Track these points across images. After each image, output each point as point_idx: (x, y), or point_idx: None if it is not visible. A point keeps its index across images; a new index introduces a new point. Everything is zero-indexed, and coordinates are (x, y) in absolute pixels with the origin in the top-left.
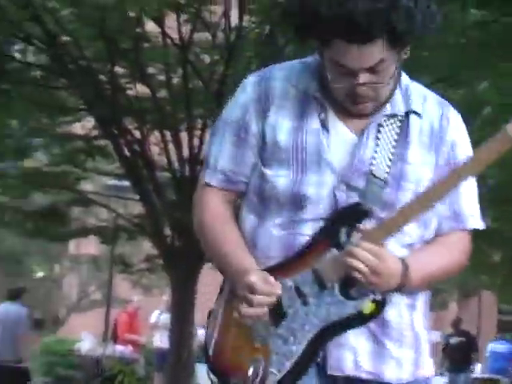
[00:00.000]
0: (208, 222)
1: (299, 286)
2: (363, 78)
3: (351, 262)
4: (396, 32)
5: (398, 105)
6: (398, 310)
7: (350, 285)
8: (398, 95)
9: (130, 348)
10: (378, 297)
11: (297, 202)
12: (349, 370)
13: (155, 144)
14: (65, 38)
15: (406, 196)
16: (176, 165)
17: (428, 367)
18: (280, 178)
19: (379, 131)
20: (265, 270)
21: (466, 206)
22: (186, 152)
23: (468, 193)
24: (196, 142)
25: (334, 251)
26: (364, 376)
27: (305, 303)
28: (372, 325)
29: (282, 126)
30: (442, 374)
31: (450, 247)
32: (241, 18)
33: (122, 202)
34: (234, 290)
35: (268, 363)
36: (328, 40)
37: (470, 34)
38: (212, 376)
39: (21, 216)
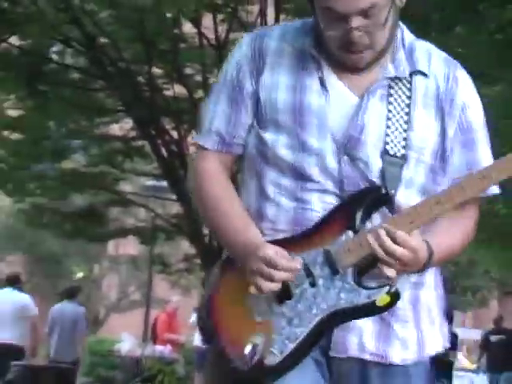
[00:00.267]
0: (207, 188)
1: (309, 266)
2: (355, 21)
3: (388, 246)
4: None
5: (402, 65)
6: (403, 289)
7: (364, 272)
8: (401, 55)
9: (169, 348)
10: (394, 288)
11: (299, 169)
12: (353, 351)
13: (193, 144)
14: (103, 40)
15: (409, 166)
16: None
17: (433, 344)
18: (279, 143)
19: (389, 98)
20: (271, 242)
21: None
22: None
23: (485, 157)
24: None
25: (350, 234)
26: (368, 357)
27: (313, 284)
28: None
29: (279, 85)
30: (484, 372)
31: (466, 229)
32: (277, 18)
33: (160, 202)
34: (242, 262)
35: (269, 342)
36: None
37: (507, 30)
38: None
39: (59, 217)
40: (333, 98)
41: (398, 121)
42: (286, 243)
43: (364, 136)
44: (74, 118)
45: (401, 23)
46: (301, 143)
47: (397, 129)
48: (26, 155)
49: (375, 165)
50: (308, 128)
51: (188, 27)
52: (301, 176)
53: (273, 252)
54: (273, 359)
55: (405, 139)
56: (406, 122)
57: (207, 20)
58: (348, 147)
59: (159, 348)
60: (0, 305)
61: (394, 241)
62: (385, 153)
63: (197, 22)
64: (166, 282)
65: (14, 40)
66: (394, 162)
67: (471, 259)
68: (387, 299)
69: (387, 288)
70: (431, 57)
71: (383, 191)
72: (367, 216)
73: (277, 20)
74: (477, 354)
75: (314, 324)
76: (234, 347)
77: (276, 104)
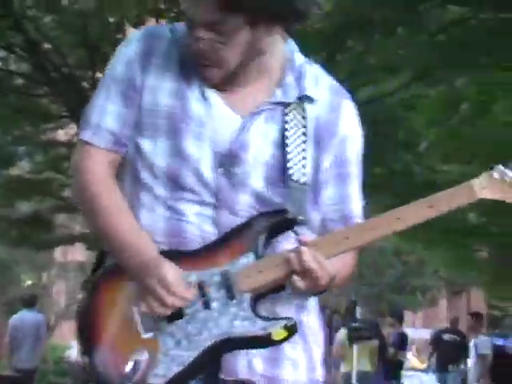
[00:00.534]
0: (95, 193)
1: (204, 285)
2: (200, 32)
3: (304, 262)
4: None
5: (290, 89)
6: (287, 308)
7: (262, 300)
8: (289, 79)
9: None
10: (291, 322)
11: (174, 178)
12: (242, 373)
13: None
14: (46, 46)
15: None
16: None
17: (319, 370)
18: (156, 149)
19: (285, 123)
20: (165, 253)
21: (355, 208)
22: None
23: (356, 196)
24: None
25: (251, 257)
26: (258, 380)
27: (207, 306)
28: None
29: (162, 89)
30: (433, 371)
31: (352, 262)
32: None
33: None
34: (135, 276)
35: (153, 362)
36: None
37: (449, 31)
38: (85, 358)
39: (6, 224)
40: (214, 109)
41: (296, 148)
42: (182, 257)
43: (245, 154)
44: (19, 124)
45: (293, 44)
46: (178, 151)
47: (296, 156)
48: None
49: (251, 187)
50: (187, 136)
51: (131, 32)
52: (176, 185)
53: (171, 275)
54: (154, 382)
55: (304, 166)
56: (304, 149)
57: (150, 24)
58: (226, 162)
59: None
60: None
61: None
62: (289, 178)
63: (140, 27)
64: None
65: None
66: (297, 187)
67: (420, 259)
68: (283, 334)
69: (284, 322)
70: (318, 82)
71: (290, 216)
72: (270, 240)
73: None
74: (427, 353)
75: (203, 349)
76: (114, 363)
77: (156, 108)
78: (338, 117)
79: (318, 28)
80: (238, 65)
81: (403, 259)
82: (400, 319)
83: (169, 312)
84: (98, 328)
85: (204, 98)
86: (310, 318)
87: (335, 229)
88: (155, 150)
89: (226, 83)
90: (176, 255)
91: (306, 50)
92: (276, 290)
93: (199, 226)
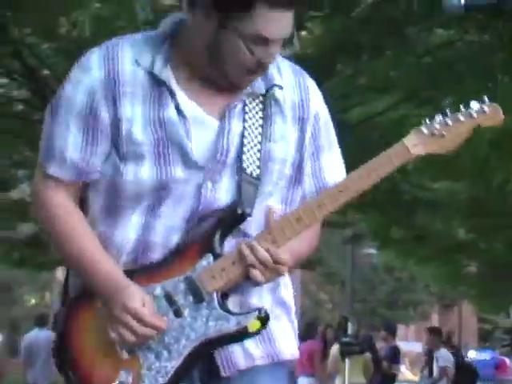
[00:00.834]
0: (62, 227)
1: (170, 295)
2: (277, 47)
3: (262, 257)
4: (304, 2)
5: (257, 82)
6: (259, 294)
7: (229, 295)
8: None
9: None
10: (263, 312)
11: (156, 199)
12: (242, 364)
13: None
14: (45, 72)
15: (272, 178)
16: None
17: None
18: (139, 174)
19: (244, 116)
20: (126, 271)
21: (330, 180)
22: None
23: (331, 164)
24: None
25: (210, 257)
26: (260, 362)
27: (178, 314)
28: None
29: (136, 117)
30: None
31: (314, 228)
32: None
33: None
34: (105, 302)
35: (138, 378)
36: (249, 9)
37: (435, 53)
38: None
39: (7, 246)
40: (193, 126)
41: (252, 139)
42: (142, 272)
43: (228, 159)
44: (19, 148)
45: None
46: (163, 176)
47: (252, 147)
48: None
49: (228, 183)
50: (170, 160)
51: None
52: (156, 205)
53: (140, 305)
54: None
55: (258, 159)
56: (260, 141)
57: None
58: (214, 173)
59: None
60: None
61: (269, 254)
62: (241, 170)
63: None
64: None
65: None
66: (249, 180)
67: (412, 275)
68: (258, 324)
69: (256, 313)
70: (280, 68)
71: (239, 211)
72: (224, 237)
73: None
74: (419, 366)
75: (184, 356)
76: None
77: (135, 137)
78: (308, 97)
79: (308, 53)
80: None
81: (395, 275)
82: (393, 333)
83: (140, 340)
84: (77, 356)
85: (181, 114)
86: (288, 293)
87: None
88: (139, 174)
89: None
90: (141, 271)
91: None
92: (239, 283)
93: (168, 237)
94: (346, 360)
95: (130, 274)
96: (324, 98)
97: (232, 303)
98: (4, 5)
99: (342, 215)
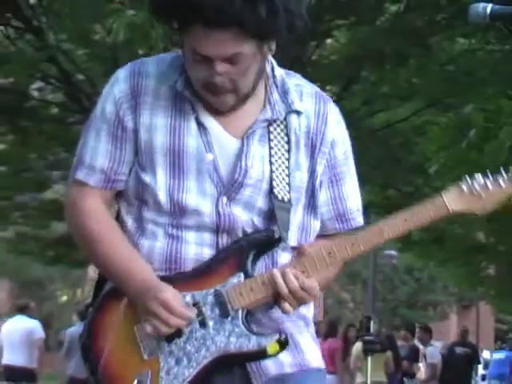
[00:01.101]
0: (94, 229)
1: (199, 305)
2: (219, 67)
3: (293, 287)
4: (249, 23)
5: (278, 106)
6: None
7: (255, 316)
8: (275, 95)
9: None
10: (283, 336)
11: (176, 210)
12: (273, 370)
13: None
14: (79, 77)
15: (293, 207)
16: None
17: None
18: (157, 185)
19: (270, 141)
20: (163, 279)
21: (350, 207)
22: None
23: (351, 192)
24: None
25: (241, 276)
26: (289, 370)
27: (203, 325)
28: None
29: (157, 127)
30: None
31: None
32: None
33: None
34: (136, 300)
35: (155, 381)
36: (186, 26)
37: (458, 61)
38: (92, 378)
39: (42, 244)
40: (212, 136)
41: (280, 165)
42: (178, 280)
43: (247, 179)
44: (54, 150)
45: (271, 58)
46: (181, 186)
47: (280, 173)
48: (9, 186)
49: (257, 207)
50: (187, 171)
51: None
52: (178, 214)
53: (171, 296)
54: None
55: (288, 184)
56: (287, 167)
57: None
58: (230, 190)
59: None
60: (11, 331)
61: (299, 283)
62: (273, 197)
63: None
64: None
65: None
66: (282, 206)
67: (431, 276)
68: (277, 347)
69: (277, 336)
70: (302, 93)
71: (277, 236)
72: (257, 259)
73: None
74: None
75: (202, 366)
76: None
77: (155, 147)
78: (325, 123)
79: (334, 59)
80: (251, 89)
81: (415, 276)
82: (413, 333)
83: (172, 331)
84: (102, 349)
85: (201, 127)
86: (309, 310)
87: (333, 227)
88: (157, 184)
89: (235, 107)
90: (172, 279)
91: (322, 80)
92: (267, 306)
93: (198, 250)
94: (368, 358)
95: (161, 280)
96: (348, 104)
97: (257, 320)
98: (41, 12)
99: (365, 218)
